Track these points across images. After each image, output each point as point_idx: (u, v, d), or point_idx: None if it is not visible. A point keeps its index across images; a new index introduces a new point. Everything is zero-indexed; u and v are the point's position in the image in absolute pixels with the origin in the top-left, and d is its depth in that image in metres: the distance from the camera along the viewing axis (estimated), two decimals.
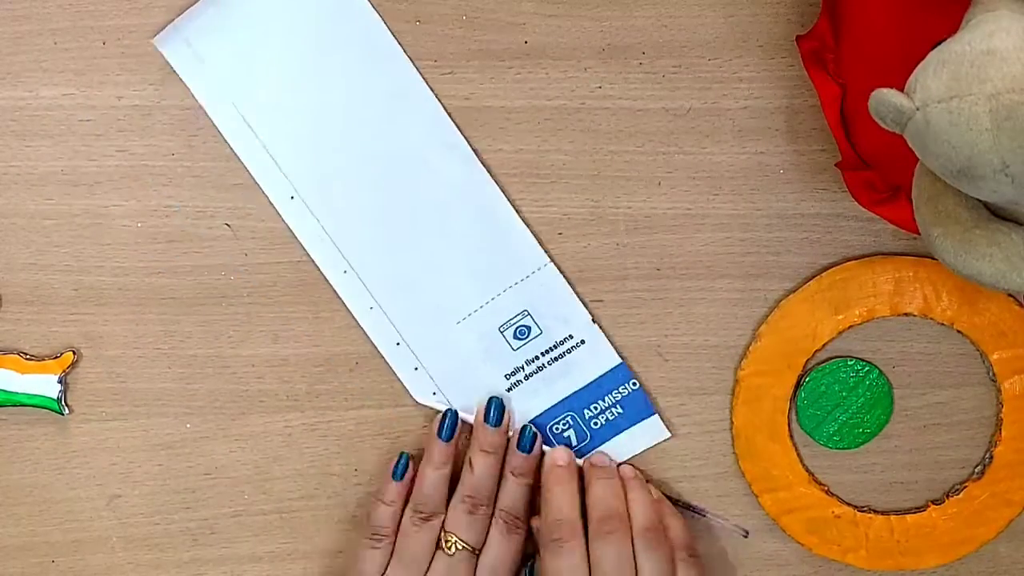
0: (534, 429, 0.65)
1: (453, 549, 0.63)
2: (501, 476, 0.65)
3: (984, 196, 0.48)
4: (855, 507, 0.67)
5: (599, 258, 0.65)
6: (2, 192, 0.63)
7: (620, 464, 0.66)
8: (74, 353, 0.64)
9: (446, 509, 0.64)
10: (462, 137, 0.63)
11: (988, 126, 0.45)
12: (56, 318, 0.64)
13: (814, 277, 0.65)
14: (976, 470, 0.68)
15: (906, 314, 0.66)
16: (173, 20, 0.61)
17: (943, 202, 0.51)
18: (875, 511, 0.68)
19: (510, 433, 0.65)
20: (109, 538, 0.66)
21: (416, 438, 0.66)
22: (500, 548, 0.64)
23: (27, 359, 0.64)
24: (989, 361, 0.66)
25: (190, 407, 0.65)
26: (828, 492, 0.67)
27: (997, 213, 0.51)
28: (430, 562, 0.63)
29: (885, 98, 0.47)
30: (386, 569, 0.63)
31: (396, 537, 0.64)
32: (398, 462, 0.65)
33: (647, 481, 0.66)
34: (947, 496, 0.68)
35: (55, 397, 0.64)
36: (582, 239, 0.65)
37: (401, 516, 0.64)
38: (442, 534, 0.63)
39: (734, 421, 0.66)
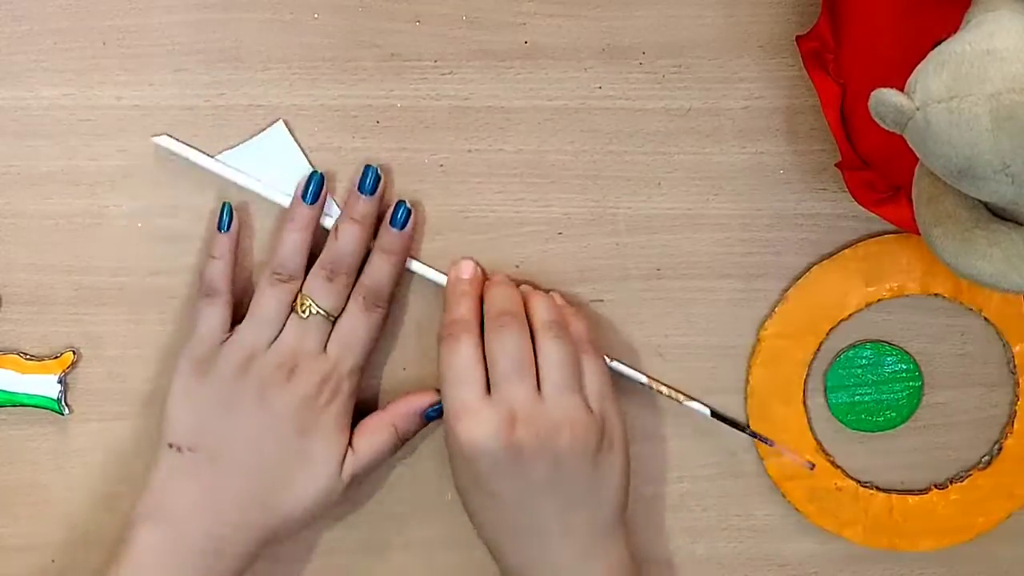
0: (408, 205, 0.63)
1: (307, 313, 0.61)
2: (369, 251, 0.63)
3: (984, 196, 0.48)
4: (858, 482, 0.67)
5: (599, 258, 0.65)
6: (2, 192, 0.63)
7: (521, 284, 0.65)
8: (74, 353, 0.64)
9: (305, 275, 0.62)
10: None
11: (988, 126, 0.45)
12: (56, 318, 0.64)
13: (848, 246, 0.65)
14: (983, 460, 0.68)
15: (936, 295, 0.66)
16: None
17: (943, 202, 0.51)
18: (878, 488, 0.67)
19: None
20: (109, 539, 0.66)
21: None
22: (356, 322, 0.62)
23: (27, 359, 0.64)
24: (1012, 352, 0.66)
25: None
26: (833, 464, 0.67)
27: (997, 213, 0.51)
28: (284, 325, 0.62)
29: (885, 98, 0.47)
30: (234, 327, 0.62)
31: (231, 295, 0.62)
32: (221, 213, 0.62)
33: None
34: (951, 482, 0.68)
35: (55, 397, 0.64)
36: (582, 239, 0.65)
37: (232, 272, 0.62)
38: (298, 297, 0.62)
39: (750, 381, 0.66)
